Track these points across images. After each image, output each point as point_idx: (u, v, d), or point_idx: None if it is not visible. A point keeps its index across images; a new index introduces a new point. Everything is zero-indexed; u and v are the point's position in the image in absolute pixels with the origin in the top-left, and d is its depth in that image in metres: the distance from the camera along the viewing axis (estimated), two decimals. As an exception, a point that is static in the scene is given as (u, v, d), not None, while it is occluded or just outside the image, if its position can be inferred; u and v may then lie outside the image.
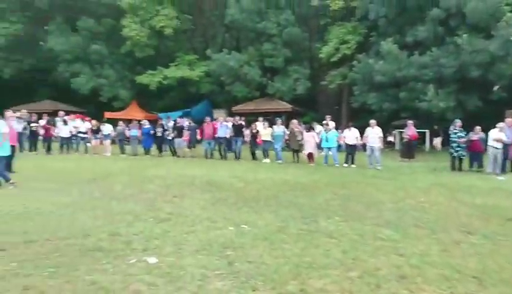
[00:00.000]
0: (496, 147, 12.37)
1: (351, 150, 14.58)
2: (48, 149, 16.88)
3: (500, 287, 3.73)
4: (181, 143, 16.82)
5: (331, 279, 3.82)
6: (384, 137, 16.93)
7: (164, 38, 28.38)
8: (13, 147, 11.14)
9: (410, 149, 16.81)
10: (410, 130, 16.67)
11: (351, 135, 14.75)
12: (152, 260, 4.25)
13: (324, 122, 16.47)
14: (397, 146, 22.43)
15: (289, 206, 7.08)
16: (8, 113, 11.10)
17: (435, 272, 4.04)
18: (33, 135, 16.83)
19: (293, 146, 15.26)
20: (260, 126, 16.44)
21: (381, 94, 20.82)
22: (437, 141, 22.36)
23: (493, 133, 12.47)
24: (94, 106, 29.18)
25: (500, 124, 12.64)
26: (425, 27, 19.74)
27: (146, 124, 17.78)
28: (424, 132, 22.37)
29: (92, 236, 5.07)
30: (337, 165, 14.28)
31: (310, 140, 14.79)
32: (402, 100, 19.75)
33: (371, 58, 21.08)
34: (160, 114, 23.60)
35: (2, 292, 3.44)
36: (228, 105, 27.57)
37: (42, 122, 17.64)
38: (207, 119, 17.18)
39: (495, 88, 18.72)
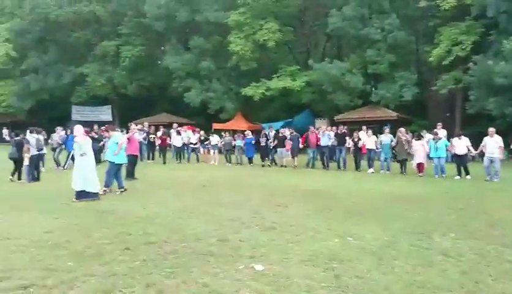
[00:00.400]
0: None
1: (460, 161, 13.24)
2: (163, 158, 18.38)
3: None
4: (284, 152, 17.03)
5: (449, 302, 3.51)
6: (507, 146, 15.05)
7: (267, 51, 29.25)
8: (136, 156, 12.44)
9: None
10: None
11: (460, 144, 13.38)
12: (259, 267, 4.35)
13: (435, 130, 15.27)
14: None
15: (399, 220, 6.69)
16: (132, 126, 12.47)
17: None
18: (151, 145, 18.56)
19: (400, 156, 14.43)
20: (363, 134, 15.88)
21: (503, 98, 18.63)
22: None
23: None
24: (203, 118, 31.20)
25: None
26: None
27: (249, 135, 18.40)
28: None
29: (203, 240, 5.39)
30: (443, 176, 13.12)
31: (419, 149, 13.84)
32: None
33: (490, 59, 19.05)
34: (263, 125, 24.26)
35: (128, 287, 3.82)
36: (330, 114, 27.22)
37: (159, 133, 19.34)
38: (311, 127, 17.18)
39: None
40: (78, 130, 9.03)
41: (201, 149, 19.53)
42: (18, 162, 11.90)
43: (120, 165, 9.94)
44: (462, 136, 13.74)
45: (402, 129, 15.07)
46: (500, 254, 4.85)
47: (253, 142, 17.98)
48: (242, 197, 9.00)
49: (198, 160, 19.24)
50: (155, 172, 14.46)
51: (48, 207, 7.64)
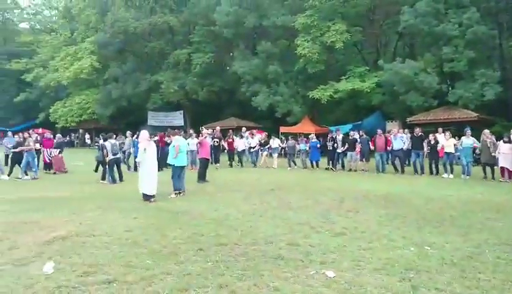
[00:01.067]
0: None
1: None
2: (230, 161, 18.73)
3: None
4: (353, 155, 16.59)
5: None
6: None
7: (335, 53, 28.78)
8: (207, 159, 12.91)
9: None
10: None
11: None
12: (330, 273, 4.27)
13: None
14: None
15: (482, 229, 6.20)
16: (204, 130, 12.97)
17: None
18: (216, 148, 18.84)
19: (485, 160, 13.37)
20: (441, 137, 14.94)
21: None
22: None
23: None
24: (270, 122, 31.45)
25: None
26: None
27: (314, 138, 18.14)
28: None
29: (273, 243, 5.40)
30: None
31: (507, 153, 12.69)
32: None
33: None
34: (331, 128, 23.85)
35: (202, 287, 3.94)
36: (402, 116, 26.00)
37: (237, 138, 19.77)
38: (379, 131, 16.58)
39: None
40: (142, 135, 9.51)
41: (262, 153, 19.60)
42: (101, 163, 13.26)
43: (180, 167, 10.26)
44: None
45: (487, 131, 13.97)
46: None
47: (318, 145, 17.72)
48: (310, 201, 8.90)
49: (255, 163, 19.29)
50: (223, 175, 14.83)
51: (127, 207, 8.15)
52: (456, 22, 22.80)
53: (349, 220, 6.90)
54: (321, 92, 27.65)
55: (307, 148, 18.24)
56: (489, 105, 23.00)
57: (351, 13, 28.51)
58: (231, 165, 18.44)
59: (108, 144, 12.89)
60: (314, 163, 17.83)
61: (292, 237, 5.73)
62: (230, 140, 19.02)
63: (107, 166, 12.86)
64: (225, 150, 19.19)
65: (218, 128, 19.39)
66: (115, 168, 13.01)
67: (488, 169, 13.39)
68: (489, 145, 13.07)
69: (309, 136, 18.74)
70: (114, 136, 14.41)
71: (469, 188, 11.17)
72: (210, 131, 16.79)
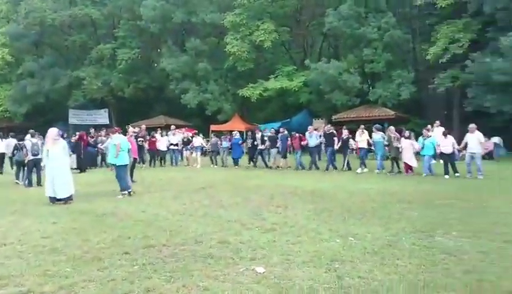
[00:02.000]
0: None
1: (447, 159, 13.20)
2: (153, 161, 18.19)
3: None
4: (275, 153, 16.71)
5: (454, 302, 3.45)
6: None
7: (263, 52, 29.26)
8: (134, 159, 12.38)
9: None
10: None
11: (447, 143, 13.29)
12: (260, 269, 4.29)
13: (426, 127, 15.18)
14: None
15: (399, 219, 6.64)
16: (130, 129, 12.43)
17: None
18: (140, 148, 18.11)
19: (393, 154, 14.39)
20: (357, 133, 15.67)
21: (501, 95, 18.68)
22: None
23: None
24: (200, 120, 31.16)
25: None
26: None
27: (236, 135, 18.23)
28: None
29: (203, 242, 5.32)
30: (432, 174, 13.11)
31: (407, 148, 13.73)
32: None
33: (488, 56, 19.09)
34: (260, 125, 24.22)
35: (128, 293, 3.75)
36: (328, 114, 27.21)
37: (157, 136, 19.14)
38: (294, 132, 16.90)
39: None
40: (48, 134, 8.85)
41: (184, 152, 19.37)
42: (20, 164, 12.55)
43: (124, 166, 9.83)
44: (448, 135, 13.60)
45: (392, 127, 15.01)
46: (502, 251, 4.81)
47: (239, 142, 17.83)
48: (241, 199, 8.94)
49: (176, 162, 19.06)
50: (150, 175, 14.40)
51: (44, 212, 7.57)
52: (375, 25, 24.31)
53: (279, 216, 7.03)
54: (251, 90, 27.98)
55: (229, 146, 18.27)
56: (404, 104, 24.87)
57: (279, 13, 29.17)
58: (153, 165, 17.94)
59: (28, 142, 11.88)
60: (235, 160, 17.94)
61: (223, 235, 5.69)
62: (153, 139, 18.40)
63: (25, 167, 11.87)
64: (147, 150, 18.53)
65: (143, 126, 18.70)
66: (34, 170, 12.01)
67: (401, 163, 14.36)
68: (394, 140, 14.00)
69: (232, 133, 18.79)
70: (36, 135, 13.14)
71: (386, 181, 11.96)
72: (137, 129, 16.13)
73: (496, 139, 21.15)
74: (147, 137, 18.19)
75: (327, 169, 15.23)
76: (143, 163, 17.85)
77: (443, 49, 22.14)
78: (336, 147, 15.37)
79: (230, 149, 18.49)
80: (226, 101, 29.96)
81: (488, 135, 20.56)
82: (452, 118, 24.26)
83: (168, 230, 6.01)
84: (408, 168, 13.74)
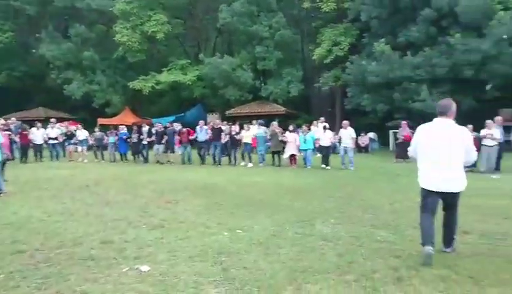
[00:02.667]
0: (489, 146, 12.41)
1: (326, 152, 14.56)
2: (23, 157, 16.49)
3: (498, 288, 3.68)
4: (160, 148, 16.31)
5: (327, 283, 3.75)
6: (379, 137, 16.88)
7: (156, 43, 28.34)
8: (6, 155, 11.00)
9: (404, 150, 16.80)
10: (404, 131, 16.72)
11: (325, 137, 14.73)
12: (145, 267, 4.16)
13: (306, 124, 16.35)
14: (392, 147, 22.45)
15: (285, 210, 7.01)
16: (1, 121, 11.02)
17: (432, 273, 3.98)
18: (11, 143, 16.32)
19: (274, 148, 15.20)
20: (245, 128, 16.15)
21: (375, 95, 20.85)
22: None
23: (485, 131, 12.56)
24: (87, 113, 29.02)
25: (488, 121, 12.74)
26: (417, 28, 19.80)
27: (123, 129, 17.51)
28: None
29: (83, 244, 4.97)
30: (309, 166, 14.23)
31: (292, 142, 14.68)
32: (395, 100, 19.77)
33: (364, 59, 21.13)
34: (154, 119, 23.48)
35: (-10, 305, 3.34)
36: (222, 109, 27.52)
37: (34, 129, 17.31)
38: (180, 127, 16.75)
39: (488, 87, 18.78)
40: None
41: (68, 147, 17.98)
42: None
43: None
44: (327, 130, 15.06)
45: (275, 122, 15.91)
46: (370, 235, 5.37)
47: (125, 137, 17.12)
48: (129, 195, 8.56)
49: (57, 157, 17.69)
50: (25, 172, 13.02)
51: None
52: (267, 24, 25.24)
53: (168, 212, 6.89)
54: (143, 82, 26.98)
55: (115, 140, 17.44)
56: (294, 101, 26.32)
57: (171, 5, 28.50)
58: (24, 161, 16.31)
59: None
60: (122, 155, 17.32)
61: (106, 235, 5.38)
62: (25, 132, 16.57)
63: None
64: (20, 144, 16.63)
65: (13, 119, 16.70)
66: None
67: (276, 156, 15.18)
68: (278, 135, 14.84)
69: (118, 128, 17.97)
70: None
71: (275, 174, 12.54)
72: (3, 122, 14.33)
73: (371, 135, 23.62)
74: (19, 130, 16.34)
75: (219, 163, 15.39)
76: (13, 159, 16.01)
77: (327, 50, 23.94)
78: (223, 142, 15.65)
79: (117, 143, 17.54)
80: (116, 94, 28.40)
81: (364, 131, 22.89)
82: (335, 115, 26.41)
83: (42, 233, 5.48)
84: (293, 160, 14.61)
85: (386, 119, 22.64)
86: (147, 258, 4.48)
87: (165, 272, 4.05)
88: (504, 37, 17.38)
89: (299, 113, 27.19)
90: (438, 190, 4.37)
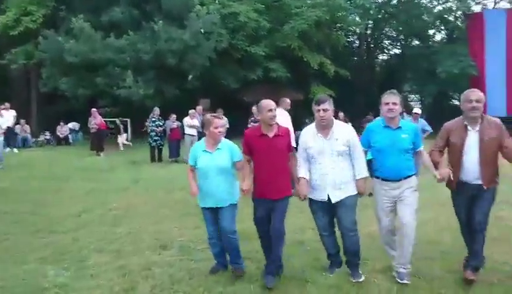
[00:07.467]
0: (192, 135, 12.53)
1: None
2: None
3: None
4: None
5: None
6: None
7: None
8: None
9: (99, 141, 15.41)
10: (97, 119, 15.31)
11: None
12: None
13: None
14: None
15: None
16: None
17: None
18: None
19: None
20: None
21: (75, 78, 18.26)
22: (122, 139, 17.98)
23: (187, 121, 12.70)
24: None
25: (191, 111, 12.97)
26: (120, 9, 18.41)
27: None
28: (126, 121, 20.54)
29: None
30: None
31: None
32: (99, 85, 17.82)
33: (61, 35, 18.11)
34: None
35: None
36: None
37: None
38: None
39: (190, 77, 19.55)
40: None
41: None
42: None
43: None
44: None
45: None
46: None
47: None
48: None
49: None
50: None
51: None
52: None
53: None
54: None
55: None
56: None
57: None
58: None
59: None
60: None
61: None
62: None
63: None
64: None
65: None
66: None
67: None
68: None
69: None
70: None
71: None
72: None
73: (71, 125, 20.84)
74: None
75: None
76: None
77: (15, 20, 19.42)
78: None
79: None
80: None
81: (64, 119, 20.03)
82: (31, 99, 22.12)
83: None
84: None
85: (90, 105, 20.18)
86: None
87: None
88: (201, 30, 18.35)
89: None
90: None
